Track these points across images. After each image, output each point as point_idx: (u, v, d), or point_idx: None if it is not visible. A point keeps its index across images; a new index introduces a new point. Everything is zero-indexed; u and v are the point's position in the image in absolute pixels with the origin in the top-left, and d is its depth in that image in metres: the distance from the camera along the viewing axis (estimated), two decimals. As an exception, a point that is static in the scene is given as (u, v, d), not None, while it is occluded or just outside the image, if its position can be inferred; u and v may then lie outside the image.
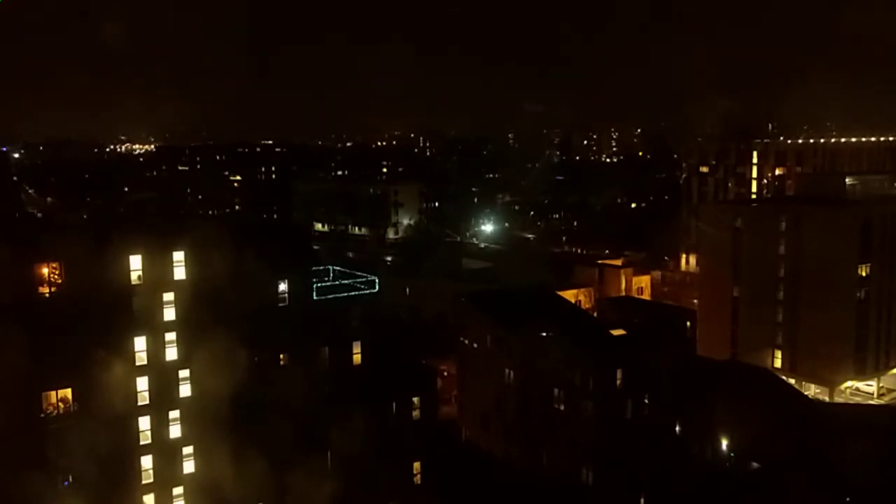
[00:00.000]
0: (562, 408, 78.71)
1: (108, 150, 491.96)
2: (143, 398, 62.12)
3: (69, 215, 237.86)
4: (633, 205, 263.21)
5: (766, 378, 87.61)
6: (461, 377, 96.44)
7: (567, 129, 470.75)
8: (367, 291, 71.81)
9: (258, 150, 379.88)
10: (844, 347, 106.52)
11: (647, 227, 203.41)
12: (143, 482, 62.36)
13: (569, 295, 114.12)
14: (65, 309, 58.52)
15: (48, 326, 57.88)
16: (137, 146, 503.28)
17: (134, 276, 60.76)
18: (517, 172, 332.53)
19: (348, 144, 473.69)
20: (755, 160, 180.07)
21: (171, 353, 62.67)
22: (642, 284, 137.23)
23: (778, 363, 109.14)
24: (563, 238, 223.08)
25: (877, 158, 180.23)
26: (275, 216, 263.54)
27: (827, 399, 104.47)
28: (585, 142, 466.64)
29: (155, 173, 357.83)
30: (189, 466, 64.17)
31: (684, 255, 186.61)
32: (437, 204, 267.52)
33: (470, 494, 76.37)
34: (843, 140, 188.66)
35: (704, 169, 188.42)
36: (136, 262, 60.68)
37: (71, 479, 59.54)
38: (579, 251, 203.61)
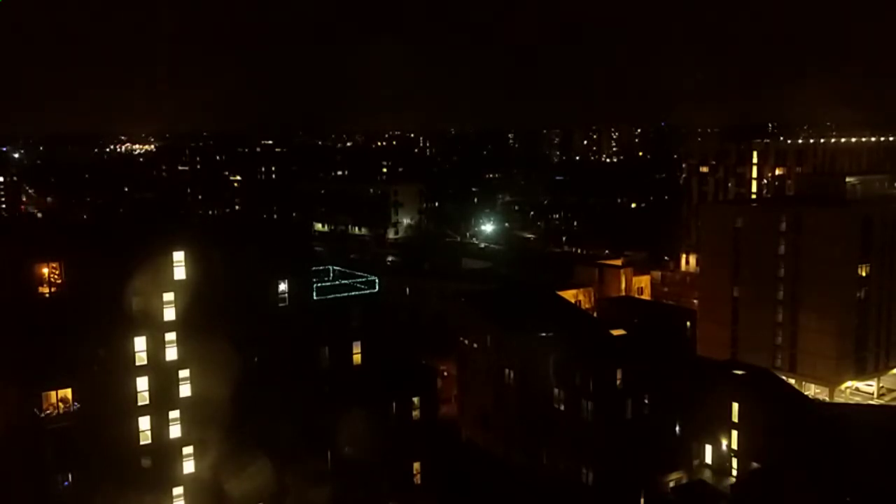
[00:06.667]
0: (562, 408, 78.70)
1: (108, 149, 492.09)
2: (143, 398, 62.06)
3: (69, 215, 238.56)
4: (633, 205, 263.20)
5: (766, 378, 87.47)
6: (461, 377, 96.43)
7: (567, 129, 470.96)
8: (367, 291, 71.76)
9: (258, 150, 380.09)
10: (844, 347, 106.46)
11: (647, 227, 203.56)
12: (143, 481, 62.27)
13: (569, 295, 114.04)
14: (65, 309, 58.50)
15: (48, 326, 57.87)
16: (137, 146, 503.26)
17: (134, 277, 60.63)
18: (517, 172, 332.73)
19: (348, 144, 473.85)
20: (755, 160, 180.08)
21: (171, 353, 62.58)
22: (642, 284, 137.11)
23: (778, 363, 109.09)
24: (563, 238, 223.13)
25: (877, 158, 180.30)
26: (275, 216, 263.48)
27: (827, 399, 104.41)
28: (585, 142, 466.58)
29: (155, 173, 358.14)
30: (189, 466, 64.12)
31: (684, 255, 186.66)
32: (437, 204, 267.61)
33: (470, 494, 76.40)
34: (843, 140, 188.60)
35: (704, 169, 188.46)
36: (136, 262, 60.56)
37: (71, 479, 59.54)
38: (579, 251, 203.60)
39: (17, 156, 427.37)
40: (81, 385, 59.23)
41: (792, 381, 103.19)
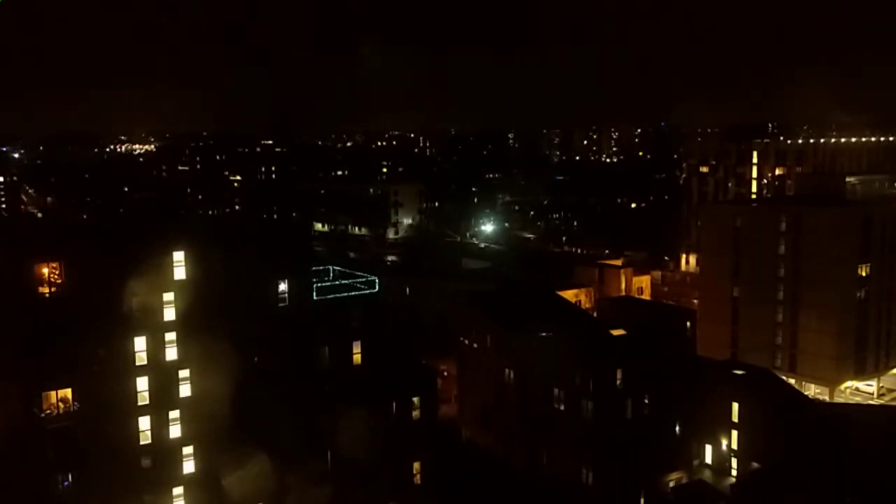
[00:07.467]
0: (562, 408, 78.69)
1: (108, 149, 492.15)
2: (143, 398, 62.05)
3: (69, 215, 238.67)
4: (633, 205, 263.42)
5: (766, 378, 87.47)
6: (461, 377, 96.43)
7: (567, 129, 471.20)
8: (367, 291, 71.77)
9: (258, 150, 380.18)
10: (844, 347, 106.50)
11: (647, 227, 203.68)
12: (143, 481, 62.29)
13: (569, 295, 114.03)
14: (65, 309, 58.48)
15: (48, 326, 57.86)
16: (137, 146, 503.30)
17: (134, 277, 60.62)
18: (517, 172, 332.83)
19: (348, 144, 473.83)
20: (755, 160, 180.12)
21: (171, 353, 62.58)
22: (642, 284, 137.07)
23: (778, 363, 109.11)
24: (563, 238, 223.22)
25: (877, 158, 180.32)
26: (275, 216, 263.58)
27: (827, 399, 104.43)
28: (585, 142, 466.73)
29: (155, 173, 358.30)
30: (189, 466, 64.13)
31: (684, 255, 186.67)
32: (437, 204, 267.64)
33: (470, 494, 76.38)
34: (843, 140, 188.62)
35: (704, 169, 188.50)
36: (136, 262, 60.56)
37: (71, 479, 59.54)
38: (579, 251, 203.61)
39: (17, 156, 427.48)
40: (81, 385, 59.21)
41: (792, 381, 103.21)
